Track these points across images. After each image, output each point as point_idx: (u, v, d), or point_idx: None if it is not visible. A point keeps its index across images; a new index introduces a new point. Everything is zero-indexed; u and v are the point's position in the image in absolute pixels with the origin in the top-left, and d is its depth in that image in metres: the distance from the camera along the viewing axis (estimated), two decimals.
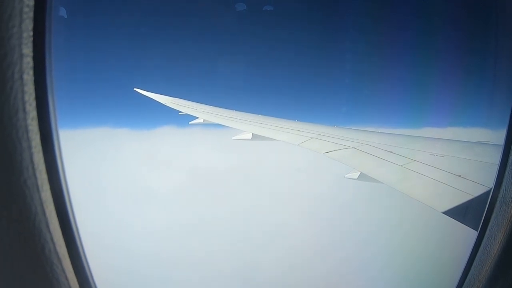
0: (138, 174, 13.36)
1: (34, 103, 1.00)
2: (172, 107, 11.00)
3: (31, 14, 0.95)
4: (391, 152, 5.95)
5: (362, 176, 6.03)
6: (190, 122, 9.99)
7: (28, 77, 0.97)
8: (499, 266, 1.54)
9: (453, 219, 3.75)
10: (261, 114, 9.74)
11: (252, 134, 8.19)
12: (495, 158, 1.72)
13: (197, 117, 9.91)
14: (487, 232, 1.58)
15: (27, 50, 0.95)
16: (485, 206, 1.65)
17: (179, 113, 10.51)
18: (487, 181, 3.91)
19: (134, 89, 12.63)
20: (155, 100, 11.72)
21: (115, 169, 13.63)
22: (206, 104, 11.05)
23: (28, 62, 0.96)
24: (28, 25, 0.94)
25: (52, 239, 1.10)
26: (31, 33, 0.96)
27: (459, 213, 3.77)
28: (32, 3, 0.94)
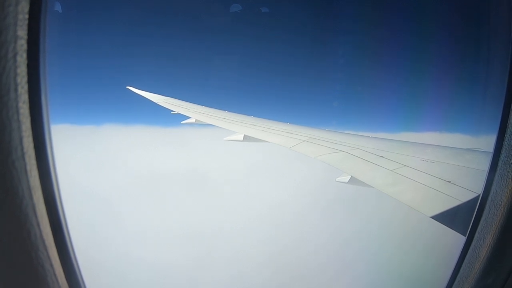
0: (127, 172, 13.27)
1: (26, 87, 1.00)
2: (165, 106, 10.96)
3: None
4: (381, 156, 5.97)
5: (353, 180, 6.04)
6: (182, 122, 9.96)
7: (21, 59, 0.97)
8: (488, 268, 1.55)
9: (442, 224, 3.78)
10: (253, 116, 9.75)
11: (244, 135, 8.16)
12: (484, 164, 1.73)
13: (189, 117, 9.88)
14: (476, 235, 1.60)
15: (22, 32, 0.96)
16: (474, 212, 1.67)
17: (171, 113, 10.48)
18: (476, 187, 3.95)
19: (127, 87, 12.58)
20: (147, 98, 11.68)
21: (104, 165, 13.55)
22: (198, 104, 11.05)
23: (22, 44, 0.97)
24: (24, 7, 0.95)
25: (38, 225, 1.09)
26: (27, 16, 0.96)
27: (448, 218, 3.80)
28: None
